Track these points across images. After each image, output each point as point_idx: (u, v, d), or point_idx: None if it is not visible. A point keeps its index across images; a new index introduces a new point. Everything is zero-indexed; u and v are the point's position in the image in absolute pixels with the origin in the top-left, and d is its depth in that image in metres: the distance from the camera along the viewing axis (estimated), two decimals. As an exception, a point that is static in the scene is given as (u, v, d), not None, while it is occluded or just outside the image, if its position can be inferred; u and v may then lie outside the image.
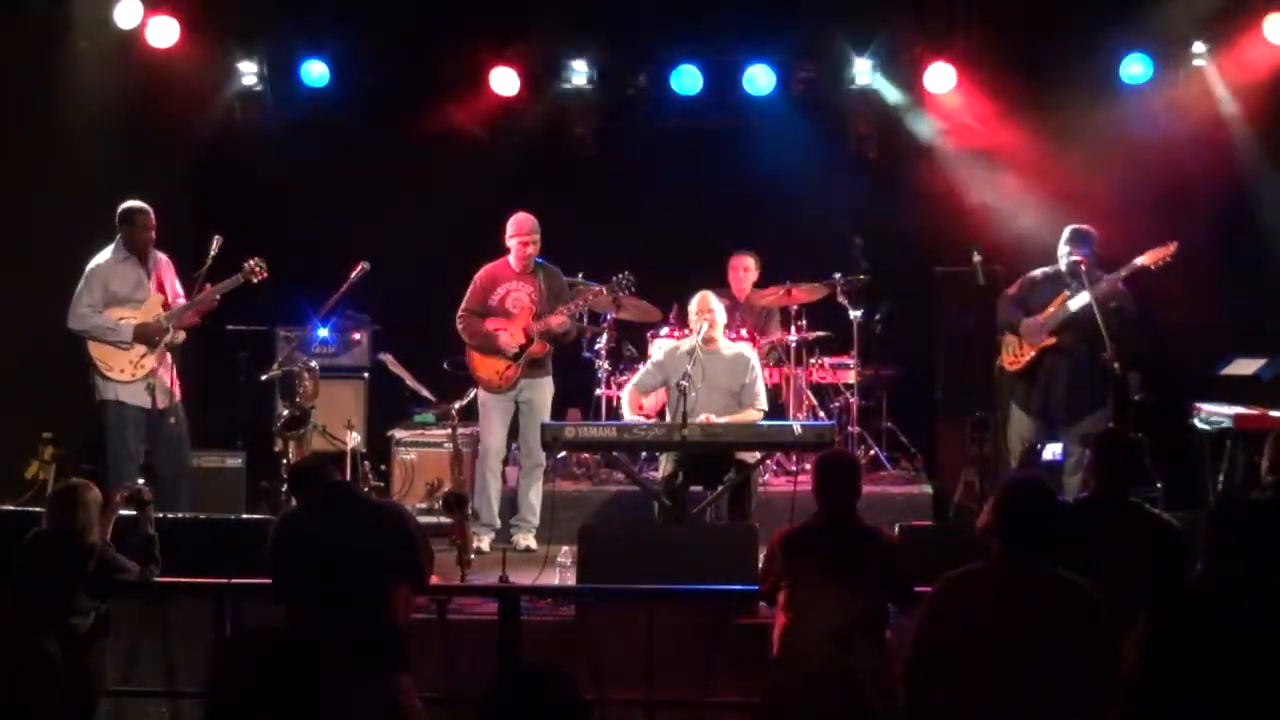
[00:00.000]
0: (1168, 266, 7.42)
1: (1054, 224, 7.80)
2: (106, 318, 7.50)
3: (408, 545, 4.98)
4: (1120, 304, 7.45)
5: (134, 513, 5.52)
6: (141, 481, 5.79)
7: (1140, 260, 7.44)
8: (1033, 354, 7.58)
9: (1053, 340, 7.52)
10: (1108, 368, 7.25)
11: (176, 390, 7.63)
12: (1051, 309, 7.54)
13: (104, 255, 7.63)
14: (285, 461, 7.34)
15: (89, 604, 5.21)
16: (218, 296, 7.58)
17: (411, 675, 4.99)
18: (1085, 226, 7.62)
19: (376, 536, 4.94)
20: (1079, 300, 7.40)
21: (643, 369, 7.80)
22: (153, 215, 7.60)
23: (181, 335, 7.58)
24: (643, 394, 7.61)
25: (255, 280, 7.58)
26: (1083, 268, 7.43)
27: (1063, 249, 7.56)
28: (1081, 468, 7.14)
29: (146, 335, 7.45)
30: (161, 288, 7.57)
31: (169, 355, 7.59)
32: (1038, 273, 7.73)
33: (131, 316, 7.51)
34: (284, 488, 7.19)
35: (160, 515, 5.89)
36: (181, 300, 7.60)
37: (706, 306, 7.57)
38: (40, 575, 5.19)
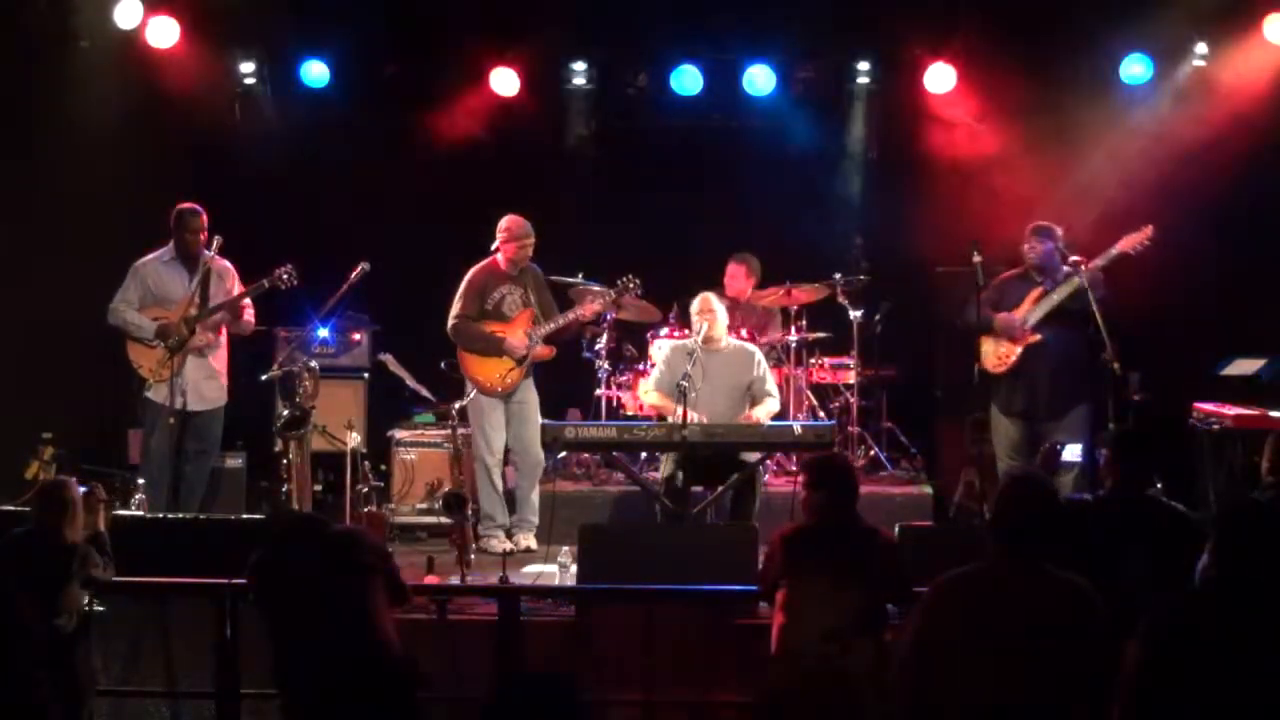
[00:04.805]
0: (1147, 251, 7.36)
1: (1054, 224, 7.77)
2: (137, 315, 7.52)
3: (378, 558, 4.92)
4: (1102, 295, 7.36)
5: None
6: (140, 483, 5.77)
7: (1118, 247, 7.38)
8: (1018, 353, 7.51)
9: (1037, 337, 7.48)
10: (1106, 367, 7.23)
11: (213, 395, 7.64)
12: (1025, 306, 7.51)
13: (151, 255, 7.66)
14: (285, 461, 7.33)
15: (73, 603, 5.21)
16: (246, 302, 7.60)
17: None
18: (1046, 223, 7.59)
19: (347, 558, 4.85)
20: (1063, 290, 7.37)
21: (655, 371, 7.77)
22: (202, 218, 7.59)
23: (207, 339, 7.55)
24: (666, 394, 7.55)
25: (284, 287, 7.59)
26: (1058, 260, 7.41)
27: (1030, 246, 7.52)
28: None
29: (166, 335, 7.44)
30: (205, 293, 7.50)
31: (208, 360, 7.58)
32: (1008, 274, 7.68)
33: (166, 317, 7.51)
34: (284, 488, 7.19)
35: (161, 515, 5.88)
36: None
37: (708, 307, 7.55)
38: (23, 574, 5.17)
